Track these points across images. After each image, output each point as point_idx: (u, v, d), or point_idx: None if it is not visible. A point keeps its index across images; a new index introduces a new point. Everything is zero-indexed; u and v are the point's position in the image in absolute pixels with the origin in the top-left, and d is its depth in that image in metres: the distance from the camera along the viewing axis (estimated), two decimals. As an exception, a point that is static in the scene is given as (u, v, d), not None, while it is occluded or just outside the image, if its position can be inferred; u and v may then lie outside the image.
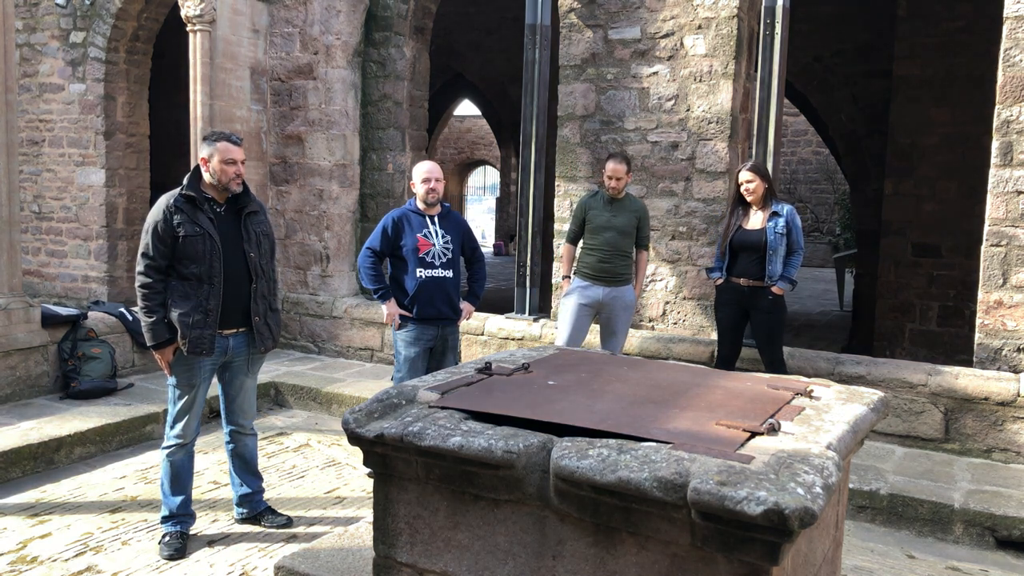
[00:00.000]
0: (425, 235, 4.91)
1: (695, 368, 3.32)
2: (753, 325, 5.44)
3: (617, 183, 5.57)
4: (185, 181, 3.91)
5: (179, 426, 4.01)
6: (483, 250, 5.54)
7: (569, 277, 5.85)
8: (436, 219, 4.98)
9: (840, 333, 10.68)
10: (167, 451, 4.03)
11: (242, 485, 4.30)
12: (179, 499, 4.03)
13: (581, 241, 5.83)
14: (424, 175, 4.93)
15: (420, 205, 4.97)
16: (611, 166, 5.57)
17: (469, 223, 5.43)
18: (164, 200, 3.87)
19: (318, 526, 4.30)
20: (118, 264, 9.25)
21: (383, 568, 2.49)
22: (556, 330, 6.02)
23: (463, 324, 5.37)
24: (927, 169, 8.77)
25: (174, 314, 3.83)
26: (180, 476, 4.05)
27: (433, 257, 4.92)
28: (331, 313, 7.85)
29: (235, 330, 4.00)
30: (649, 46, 6.43)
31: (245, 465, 4.29)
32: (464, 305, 5.16)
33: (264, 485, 4.42)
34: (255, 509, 4.30)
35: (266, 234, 4.10)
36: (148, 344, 3.90)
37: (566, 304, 5.74)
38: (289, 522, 4.27)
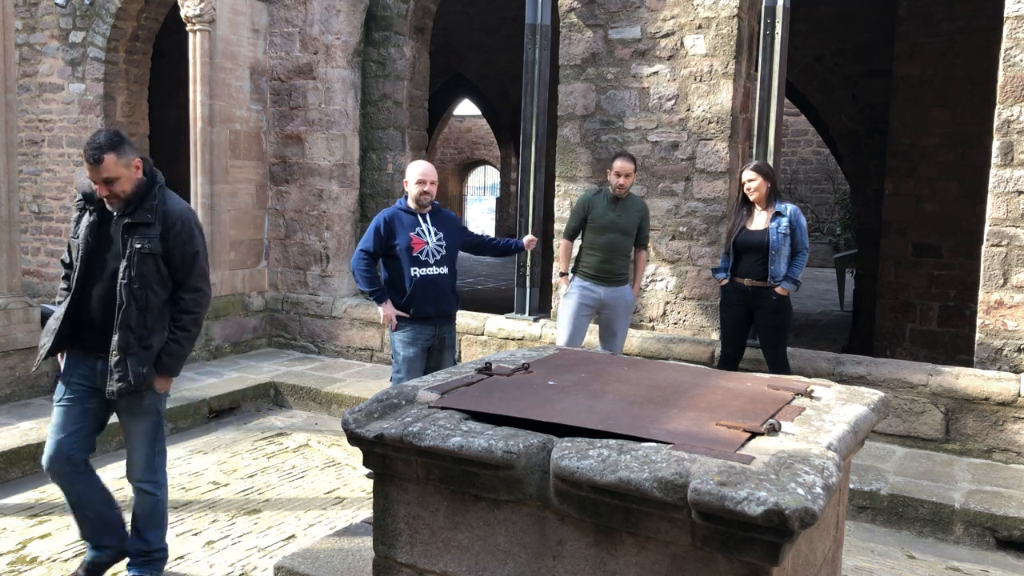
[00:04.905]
0: (418, 233, 4.89)
1: (695, 368, 3.32)
2: (757, 326, 5.44)
3: (626, 180, 5.55)
4: None
5: (47, 443, 3.45)
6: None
7: (566, 274, 5.83)
8: (428, 217, 4.97)
9: (840, 333, 10.67)
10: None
11: (136, 538, 3.60)
12: (82, 528, 3.53)
13: (579, 238, 5.81)
14: (419, 176, 4.90)
15: (412, 204, 4.96)
16: (619, 164, 5.55)
17: (466, 222, 5.49)
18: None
19: (318, 526, 4.30)
20: (118, 264, 9.23)
21: (383, 568, 2.49)
22: (556, 330, 6.01)
23: (464, 323, 5.39)
24: (927, 169, 8.77)
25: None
26: (73, 504, 3.49)
27: (427, 255, 4.91)
28: (331, 313, 7.84)
29: (104, 355, 3.40)
30: (649, 46, 6.43)
31: (134, 520, 3.60)
32: (526, 239, 5.66)
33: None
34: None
35: (152, 252, 3.33)
36: None
37: (567, 305, 5.72)
38: None
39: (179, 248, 3.41)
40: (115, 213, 3.36)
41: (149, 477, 3.56)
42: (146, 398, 3.45)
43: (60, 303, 3.46)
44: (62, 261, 3.53)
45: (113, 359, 3.32)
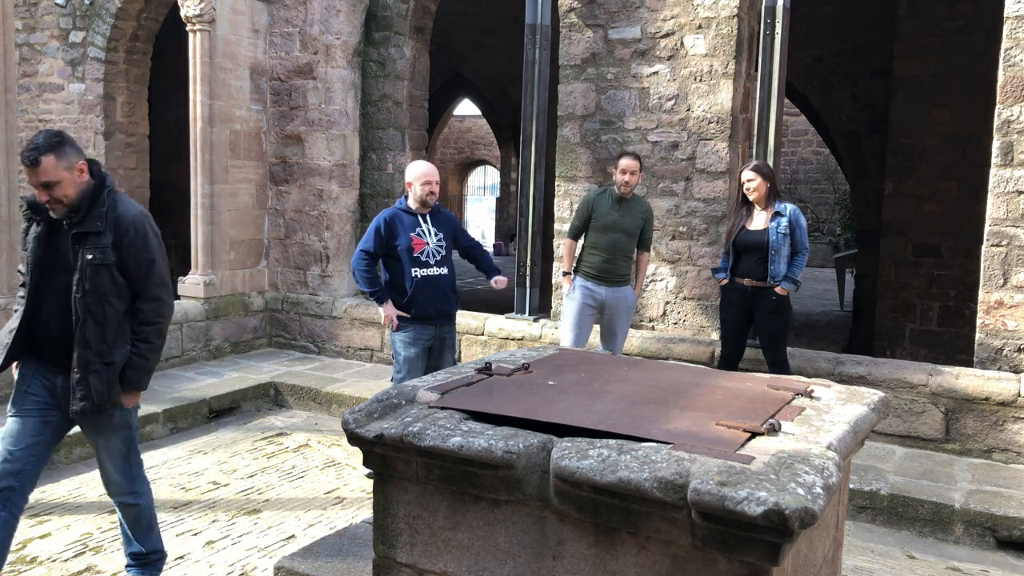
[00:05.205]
0: (419, 234, 4.91)
1: (695, 368, 3.32)
2: (757, 326, 5.44)
3: (631, 178, 5.56)
4: None
5: None
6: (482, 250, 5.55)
7: (569, 273, 5.82)
8: (428, 217, 4.99)
9: (840, 333, 10.67)
10: None
11: (129, 543, 3.51)
12: None
13: (582, 238, 5.81)
14: (425, 177, 4.94)
15: (414, 205, 4.97)
16: (625, 162, 5.56)
17: (466, 222, 5.49)
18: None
19: (318, 526, 4.30)
20: (118, 264, 9.23)
21: (383, 568, 2.49)
22: (556, 330, 6.00)
23: (464, 323, 5.39)
24: (927, 169, 8.77)
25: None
26: None
27: (428, 256, 4.93)
28: (331, 313, 7.84)
29: (63, 371, 3.19)
30: (649, 46, 6.42)
31: (124, 529, 3.51)
32: (497, 280, 5.24)
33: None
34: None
35: (104, 263, 3.11)
36: None
37: (569, 306, 5.72)
38: None
39: (133, 256, 3.17)
40: (64, 222, 3.12)
41: (129, 489, 3.39)
42: (115, 415, 3.26)
43: (16, 311, 3.26)
44: (18, 271, 3.32)
45: (74, 378, 3.11)
